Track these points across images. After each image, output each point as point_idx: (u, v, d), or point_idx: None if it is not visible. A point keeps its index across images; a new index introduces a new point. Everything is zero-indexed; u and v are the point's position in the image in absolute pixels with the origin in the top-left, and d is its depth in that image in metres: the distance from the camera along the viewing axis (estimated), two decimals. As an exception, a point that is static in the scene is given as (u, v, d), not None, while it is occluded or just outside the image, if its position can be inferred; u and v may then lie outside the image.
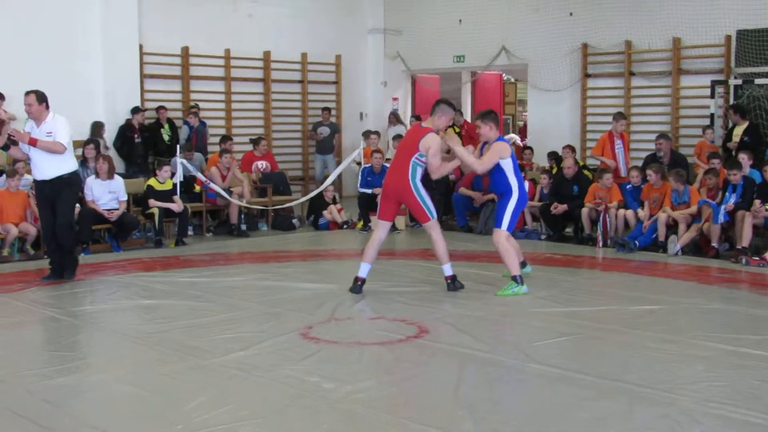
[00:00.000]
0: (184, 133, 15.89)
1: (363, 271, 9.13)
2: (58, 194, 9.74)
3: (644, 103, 16.34)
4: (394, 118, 18.70)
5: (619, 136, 13.51)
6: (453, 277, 9.18)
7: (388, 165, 16.06)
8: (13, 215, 11.50)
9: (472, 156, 9.17)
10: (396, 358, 6.73)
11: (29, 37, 14.50)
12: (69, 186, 9.85)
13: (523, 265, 9.63)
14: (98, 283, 9.97)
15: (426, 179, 9.25)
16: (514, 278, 9.11)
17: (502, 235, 9.11)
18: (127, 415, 5.46)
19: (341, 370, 6.30)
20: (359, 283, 9.10)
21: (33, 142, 9.55)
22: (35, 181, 10.06)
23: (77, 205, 12.44)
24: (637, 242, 11.96)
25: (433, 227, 9.07)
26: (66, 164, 9.76)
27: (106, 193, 12.46)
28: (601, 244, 12.38)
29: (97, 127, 15.05)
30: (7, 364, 6.68)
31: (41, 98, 9.75)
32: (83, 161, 13.47)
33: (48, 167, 9.69)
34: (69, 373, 6.36)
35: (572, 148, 14.59)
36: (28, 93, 9.77)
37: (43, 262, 11.27)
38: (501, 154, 9.06)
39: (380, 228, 9.25)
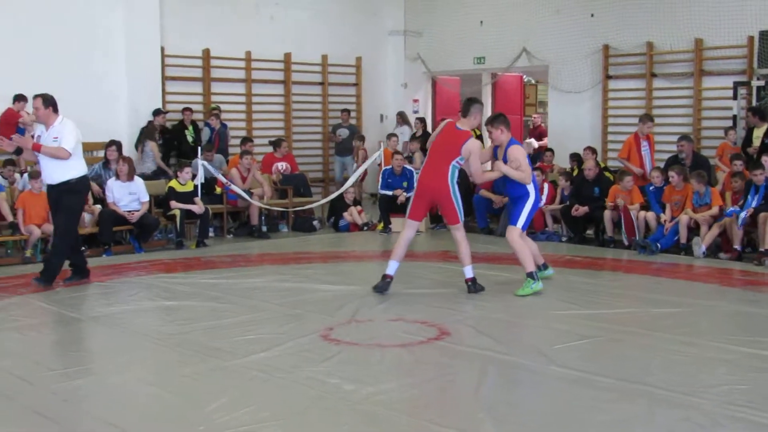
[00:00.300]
0: (205, 135, 15.95)
1: (391, 268, 9.19)
2: (60, 200, 9.68)
3: (666, 105, 16.25)
4: (400, 119, 18.61)
5: (645, 138, 13.46)
6: (473, 280, 9.18)
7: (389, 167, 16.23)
8: (35, 216, 11.57)
9: (513, 171, 9.15)
10: (416, 360, 6.73)
11: (52, 39, 14.60)
12: (73, 193, 9.72)
13: (544, 267, 9.70)
14: (120, 285, 10.03)
15: None
16: (529, 275, 9.14)
17: (516, 232, 9.22)
18: (148, 416, 5.49)
19: (362, 371, 6.31)
20: (387, 280, 9.16)
21: (37, 148, 9.48)
22: (46, 185, 10.01)
23: (98, 206, 12.58)
24: (659, 244, 11.90)
25: (460, 229, 9.15)
26: (73, 169, 9.64)
27: (127, 195, 12.53)
28: (626, 243, 12.39)
29: (150, 129, 15.30)
30: (29, 364, 6.73)
31: (48, 102, 9.61)
32: (105, 163, 13.56)
33: (54, 172, 9.61)
34: (90, 373, 6.41)
35: (593, 150, 14.54)
36: (35, 96, 9.70)
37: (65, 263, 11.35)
38: (523, 159, 9.18)
39: (409, 227, 9.31)
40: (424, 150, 17.22)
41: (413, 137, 17.48)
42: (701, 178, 11.94)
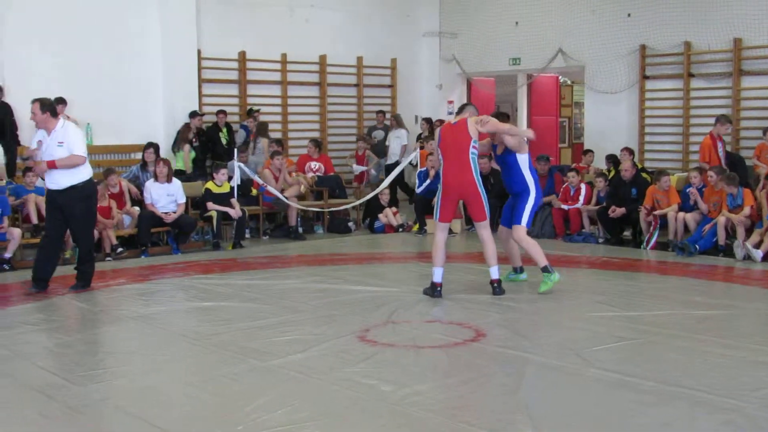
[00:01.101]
0: (240, 136, 16.03)
1: (437, 276, 9.11)
2: (70, 208, 9.47)
3: (704, 105, 16.09)
4: (395, 122, 18.26)
5: (719, 139, 13.30)
6: (499, 281, 9.19)
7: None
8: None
9: (515, 127, 9.41)
10: (453, 361, 6.71)
11: (89, 43, 14.75)
12: (84, 199, 9.56)
13: (520, 270, 9.91)
14: (157, 285, 10.11)
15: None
16: (544, 269, 9.17)
17: (522, 230, 9.30)
18: (186, 416, 5.52)
19: (398, 372, 6.30)
20: (438, 288, 9.09)
21: (52, 165, 9.30)
22: (47, 189, 9.70)
23: (137, 208, 12.69)
24: (697, 246, 11.79)
25: (486, 227, 9.15)
26: (80, 174, 9.51)
27: (165, 196, 12.64)
28: (648, 245, 12.33)
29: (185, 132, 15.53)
30: (68, 364, 6.80)
31: (45, 107, 9.40)
32: (143, 165, 13.68)
33: (61, 177, 9.41)
34: (128, 373, 6.46)
35: (630, 151, 14.43)
36: (33, 101, 9.46)
37: (104, 264, 11.47)
38: (524, 135, 9.36)
39: (440, 230, 9.27)
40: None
41: (419, 138, 17.39)
42: (731, 180, 11.82)
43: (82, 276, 9.74)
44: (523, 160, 9.28)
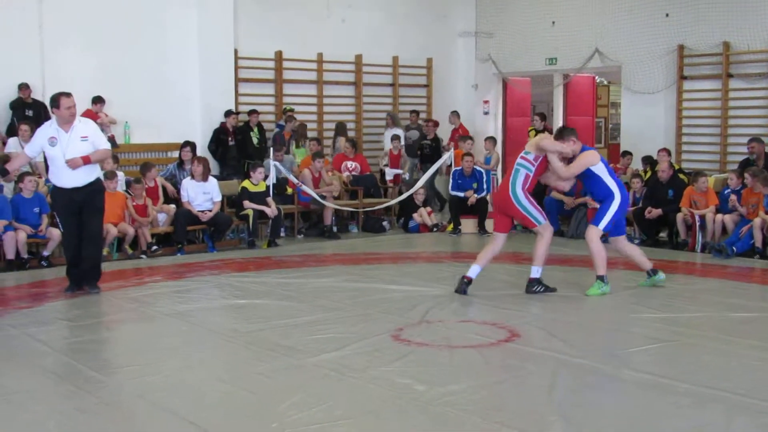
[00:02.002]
0: (277, 136, 16.10)
1: (473, 271, 9.26)
2: (91, 202, 9.32)
3: (742, 106, 15.92)
4: (391, 120, 17.94)
5: None
6: (536, 281, 9.19)
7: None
8: (112, 215, 11.74)
9: (560, 162, 9.18)
10: (487, 361, 6.70)
11: (127, 43, 14.87)
12: (99, 193, 9.49)
13: (654, 272, 9.57)
14: (193, 283, 10.18)
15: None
16: (600, 278, 9.13)
17: (596, 232, 9.20)
18: (222, 413, 5.56)
19: (432, 372, 6.30)
20: (465, 281, 9.23)
21: (87, 161, 9.15)
22: (59, 188, 9.35)
23: (173, 206, 12.81)
24: (734, 248, 11.68)
25: (543, 230, 9.19)
26: (97, 169, 9.50)
27: (201, 194, 12.74)
28: (696, 248, 12.19)
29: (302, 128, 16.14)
30: (104, 360, 6.90)
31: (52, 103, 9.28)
32: (180, 163, 13.79)
33: (83, 174, 9.21)
34: (164, 370, 6.50)
35: (668, 152, 14.32)
36: (68, 94, 9.25)
37: (140, 262, 11.59)
38: (588, 163, 9.14)
39: (496, 240, 9.39)
40: (422, 156, 17.13)
41: (394, 137, 17.21)
42: (766, 182, 11.70)
43: (94, 274, 9.55)
44: (599, 169, 9.15)
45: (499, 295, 9.21)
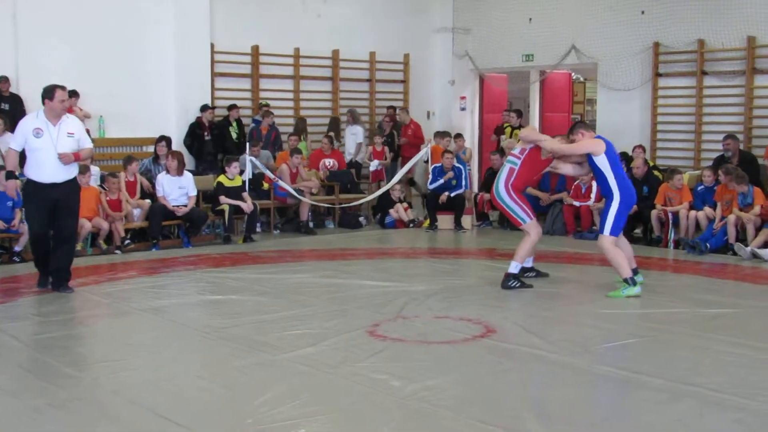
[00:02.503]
0: (254, 131, 16.06)
1: (514, 267, 9.27)
2: (66, 201, 9.04)
3: (717, 103, 16.03)
4: (351, 117, 17.54)
5: None
6: (512, 276, 9.21)
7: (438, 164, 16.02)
8: (86, 210, 11.62)
9: (554, 142, 9.18)
10: (463, 357, 6.71)
11: (103, 36, 14.77)
12: (76, 193, 9.25)
13: (634, 272, 9.06)
14: (168, 278, 10.13)
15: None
16: (625, 281, 8.86)
17: (606, 240, 8.85)
18: (196, 408, 5.54)
19: (408, 368, 6.30)
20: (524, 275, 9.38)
21: (78, 158, 9.03)
22: (35, 183, 8.94)
23: (148, 201, 12.75)
24: (708, 244, 11.76)
25: (529, 228, 9.28)
26: (75, 168, 9.19)
27: (176, 189, 12.68)
28: (668, 244, 12.27)
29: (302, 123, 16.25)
30: (78, 356, 6.85)
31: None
32: (155, 158, 13.72)
33: (65, 170, 8.95)
34: (139, 366, 6.48)
35: (643, 149, 14.39)
36: (63, 87, 9.06)
37: (114, 257, 11.53)
38: (588, 147, 8.94)
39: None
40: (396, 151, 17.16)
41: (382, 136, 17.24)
42: (741, 179, 11.79)
43: (65, 275, 9.25)
44: (601, 161, 8.83)
45: (475, 291, 9.23)
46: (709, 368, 6.34)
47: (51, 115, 8.91)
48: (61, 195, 8.99)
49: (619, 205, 8.82)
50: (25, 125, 9.01)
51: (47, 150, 8.85)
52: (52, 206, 8.99)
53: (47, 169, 8.90)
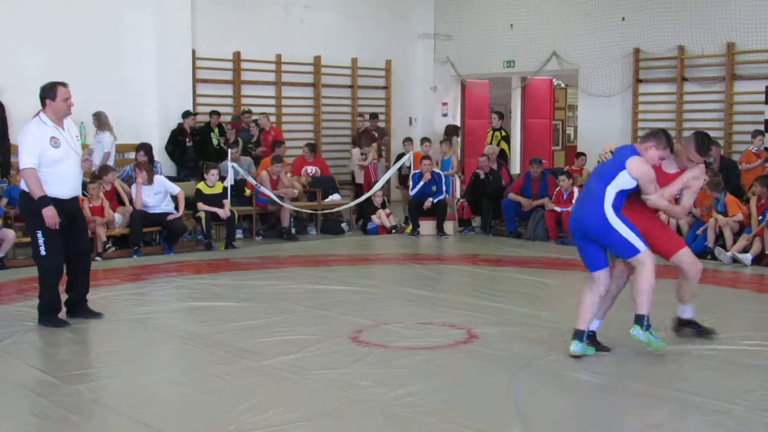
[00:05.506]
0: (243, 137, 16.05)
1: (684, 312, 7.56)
2: (80, 215, 8.20)
3: (697, 109, 16.15)
4: (97, 122, 14.33)
5: None
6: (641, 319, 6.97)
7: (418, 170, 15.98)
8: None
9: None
10: (445, 363, 6.72)
11: (84, 42, 14.73)
12: (79, 205, 8.31)
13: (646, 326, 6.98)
14: (149, 285, 10.10)
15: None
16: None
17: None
18: (178, 415, 5.53)
19: (391, 374, 6.31)
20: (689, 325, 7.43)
21: (91, 164, 8.36)
22: (53, 200, 7.73)
23: (129, 207, 12.69)
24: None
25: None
26: None
27: (152, 196, 12.58)
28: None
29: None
30: (59, 363, 6.81)
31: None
32: (137, 164, 13.64)
33: (78, 182, 8.13)
34: (120, 373, 6.45)
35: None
36: (66, 84, 7.96)
37: (96, 264, 11.45)
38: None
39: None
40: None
41: (406, 140, 17.16)
42: (715, 186, 11.85)
43: (86, 293, 8.31)
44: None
45: (458, 297, 9.24)
46: (690, 372, 6.39)
47: (56, 117, 7.79)
48: (72, 210, 7.98)
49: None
50: (35, 135, 7.69)
51: (69, 159, 7.82)
52: (67, 224, 7.88)
53: (72, 181, 7.90)
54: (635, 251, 6.84)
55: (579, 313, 6.85)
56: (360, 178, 16.85)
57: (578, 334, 6.80)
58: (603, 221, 6.77)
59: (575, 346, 6.76)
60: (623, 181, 6.89)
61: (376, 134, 17.79)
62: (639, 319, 6.82)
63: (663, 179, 7.26)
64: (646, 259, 6.88)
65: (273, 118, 17.56)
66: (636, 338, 6.78)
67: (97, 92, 14.67)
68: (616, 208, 6.85)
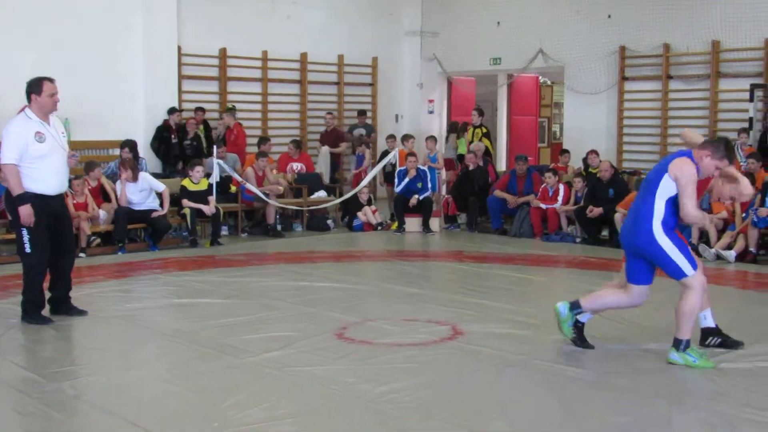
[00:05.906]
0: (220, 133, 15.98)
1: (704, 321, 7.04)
2: (65, 211, 8.19)
3: (682, 107, 16.20)
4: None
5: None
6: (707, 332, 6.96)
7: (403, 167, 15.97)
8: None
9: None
10: (430, 359, 6.71)
11: (70, 38, 14.63)
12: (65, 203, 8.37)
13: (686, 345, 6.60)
14: (134, 282, 10.07)
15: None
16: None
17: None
18: (162, 413, 5.50)
19: (376, 370, 6.30)
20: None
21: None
22: (36, 195, 7.63)
23: (114, 204, 12.63)
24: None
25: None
26: None
27: (137, 193, 12.52)
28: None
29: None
30: (42, 360, 6.77)
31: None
32: (122, 161, 13.59)
33: (65, 179, 8.06)
34: (104, 370, 6.42)
35: (597, 153, 14.53)
36: (53, 80, 7.84)
37: (80, 261, 11.41)
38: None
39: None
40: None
41: (389, 137, 17.12)
42: None
43: (69, 290, 8.24)
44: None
45: (443, 294, 9.24)
46: (677, 370, 6.38)
47: (41, 113, 7.70)
48: (60, 204, 7.99)
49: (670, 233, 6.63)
50: (19, 131, 7.63)
51: (55, 154, 7.76)
52: (53, 221, 7.83)
53: (59, 176, 7.83)
54: (682, 275, 6.48)
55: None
56: (327, 179, 16.73)
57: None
58: (650, 239, 6.48)
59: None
60: (668, 186, 6.47)
61: (351, 134, 17.76)
62: (677, 343, 6.50)
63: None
64: (693, 283, 6.47)
65: (259, 115, 17.54)
66: (675, 362, 6.45)
67: (83, 88, 14.58)
68: (667, 224, 6.47)
